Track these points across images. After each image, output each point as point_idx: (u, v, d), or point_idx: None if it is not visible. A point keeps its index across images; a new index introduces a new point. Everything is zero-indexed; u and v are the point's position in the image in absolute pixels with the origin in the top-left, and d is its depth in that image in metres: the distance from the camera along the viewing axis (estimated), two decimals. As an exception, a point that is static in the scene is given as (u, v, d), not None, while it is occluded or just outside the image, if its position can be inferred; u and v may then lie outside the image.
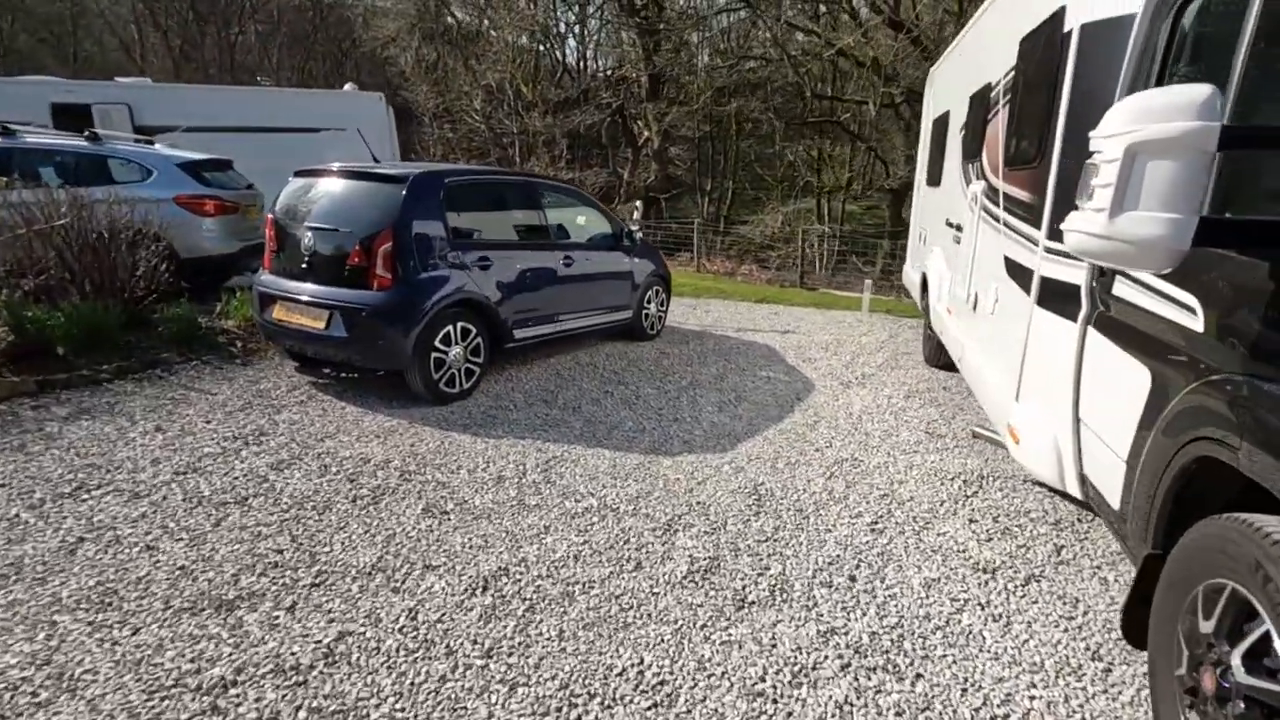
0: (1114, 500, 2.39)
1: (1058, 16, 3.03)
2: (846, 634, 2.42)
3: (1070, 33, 2.85)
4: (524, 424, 4.40)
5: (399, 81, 29.76)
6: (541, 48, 30.62)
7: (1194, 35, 2.28)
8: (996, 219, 3.87)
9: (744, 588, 2.67)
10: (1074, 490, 2.78)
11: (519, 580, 2.67)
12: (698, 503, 3.38)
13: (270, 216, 4.96)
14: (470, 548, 2.90)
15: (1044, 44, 3.22)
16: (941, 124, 6.34)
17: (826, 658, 2.29)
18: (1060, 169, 2.86)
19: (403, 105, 29.90)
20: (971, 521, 3.26)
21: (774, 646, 2.34)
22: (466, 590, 2.59)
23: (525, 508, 3.27)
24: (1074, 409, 2.73)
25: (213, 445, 3.83)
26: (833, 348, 6.91)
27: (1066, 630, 2.48)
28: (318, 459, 3.72)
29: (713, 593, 2.63)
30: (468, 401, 4.78)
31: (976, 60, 4.88)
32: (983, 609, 2.59)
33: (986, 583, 2.76)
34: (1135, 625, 2.11)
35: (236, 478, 3.45)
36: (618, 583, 2.68)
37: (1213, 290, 1.83)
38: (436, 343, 4.54)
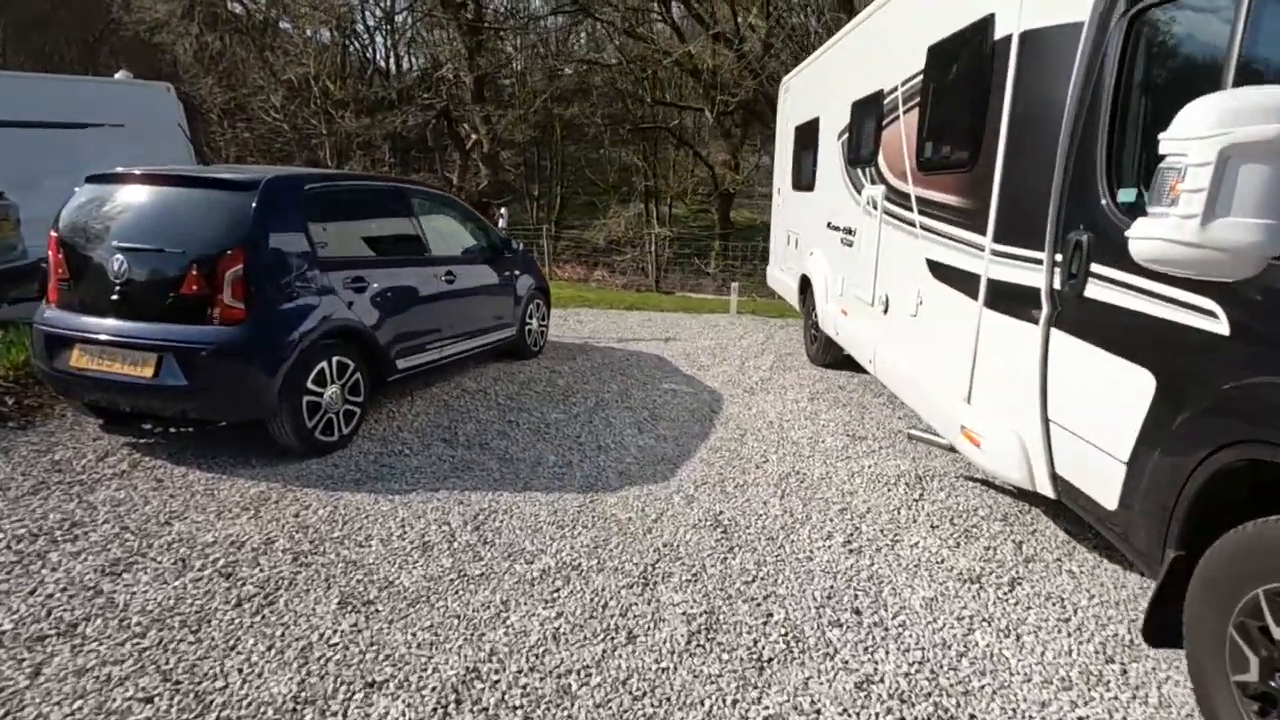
0: (1106, 501, 2.42)
1: (985, 24, 3.08)
2: (882, 680, 2.21)
3: (1006, 40, 2.89)
4: (430, 471, 3.76)
5: (173, 72, 25.89)
6: (349, 44, 28.30)
7: (1154, 42, 2.36)
8: (909, 222, 3.93)
9: (756, 643, 2.37)
10: (1044, 489, 2.82)
11: (497, 683, 2.15)
12: (663, 545, 3.03)
13: (53, 235, 3.81)
14: (419, 647, 2.31)
15: (967, 51, 3.28)
16: (809, 130, 6.53)
17: (877, 715, 2.06)
18: (1006, 174, 2.89)
19: (184, 100, 26.04)
20: (934, 527, 3.24)
21: (819, 713, 2.07)
22: (436, 711, 2.03)
23: (469, 580, 2.72)
24: (1041, 409, 2.76)
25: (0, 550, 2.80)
26: (718, 354, 6.87)
27: (1069, 635, 2.47)
28: (169, 551, 2.85)
29: (726, 656, 2.30)
30: (350, 450, 4.01)
31: (859, 68, 5.01)
32: (989, 624, 2.52)
33: (978, 593, 2.72)
34: (1158, 626, 2.13)
35: (52, 595, 2.52)
36: (617, 663, 2.26)
37: (1245, 296, 1.84)
38: (309, 383, 3.74)
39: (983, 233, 3.05)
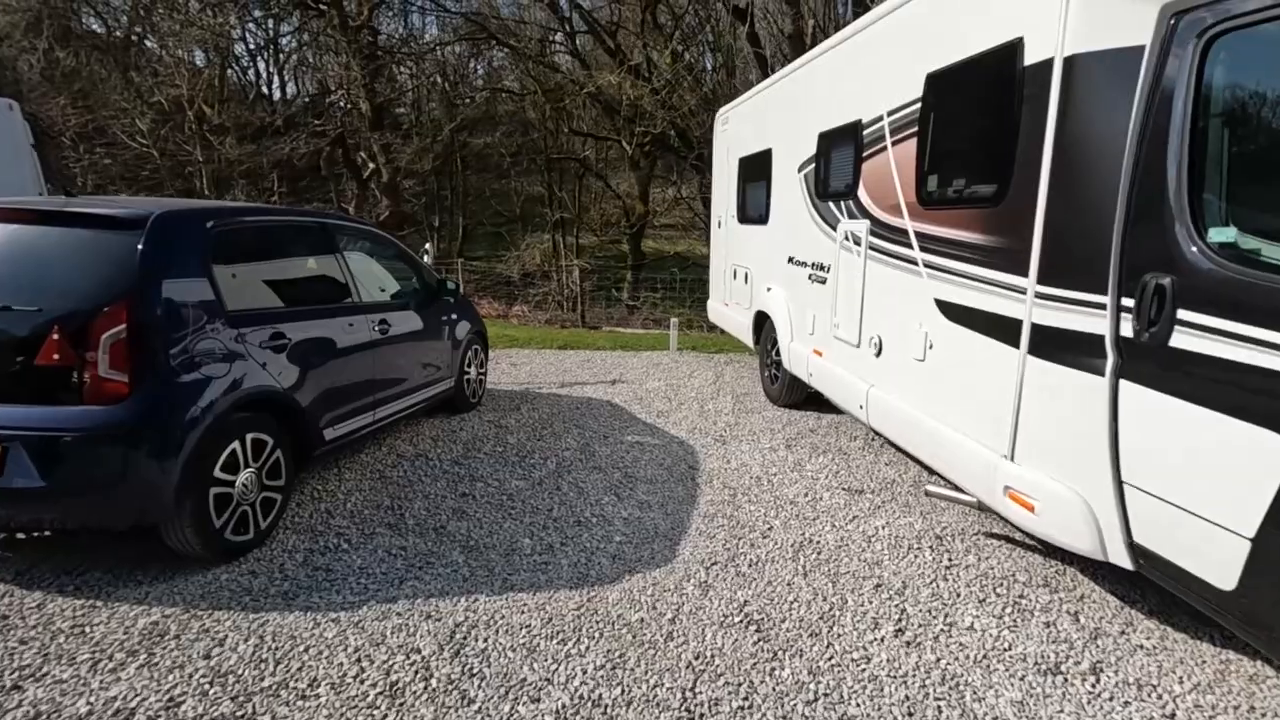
0: (1220, 580, 2.12)
1: (1010, 50, 2.84)
2: (1021, 837, 1.77)
3: (1044, 66, 2.65)
4: (379, 572, 3.04)
5: (16, 91, 23.01)
6: (228, 67, 26.34)
7: (1236, 66, 2.14)
8: (907, 260, 3.66)
9: (854, 797, 1.88)
10: (1119, 560, 2.52)
11: None
12: (694, 657, 2.49)
13: None
14: None
15: (986, 78, 3.05)
16: (758, 162, 6.30)
17: None
18: (1053, 210, 2.63)
19: (30, 120, 23.11)
20: (982, 601, 2.89)
21: None
22: None
23: (463, 737, 2.07)
24: (1113, 471, 2.47)
25: None
26: (673, 396, 6.43)
27: (1185, 736, 2.15)
28: (21, 738, 2.01)
29: (825, 823, 1.80)
30: (271, 548, 3.21)
31: (827, 97, 4.78)
32: (1097, 732, 2.16)
33: (1065, 689, 2.36)
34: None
35: None
36: None
37: None
38: (216, 470, 2.95)
39: (1020, 273, 2.78)
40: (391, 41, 22.61)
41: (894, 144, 3.82)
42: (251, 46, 25.95)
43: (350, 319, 3.94)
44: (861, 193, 4.22)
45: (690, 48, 18.77)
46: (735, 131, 7.19)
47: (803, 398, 5.88)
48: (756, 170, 6.42)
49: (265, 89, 28.45)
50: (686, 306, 18.46)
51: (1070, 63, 2.55)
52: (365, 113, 22.66)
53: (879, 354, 4.04)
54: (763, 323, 6.34)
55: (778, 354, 5.94)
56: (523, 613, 2.73)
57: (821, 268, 4.89)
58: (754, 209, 6.58)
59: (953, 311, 3.29)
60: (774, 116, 5.98)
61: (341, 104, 24.18)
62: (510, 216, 27.82)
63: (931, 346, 3.47)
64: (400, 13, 24.68)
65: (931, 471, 4.22)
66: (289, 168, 24.48)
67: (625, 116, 16.26)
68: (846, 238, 4.43)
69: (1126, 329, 2.40)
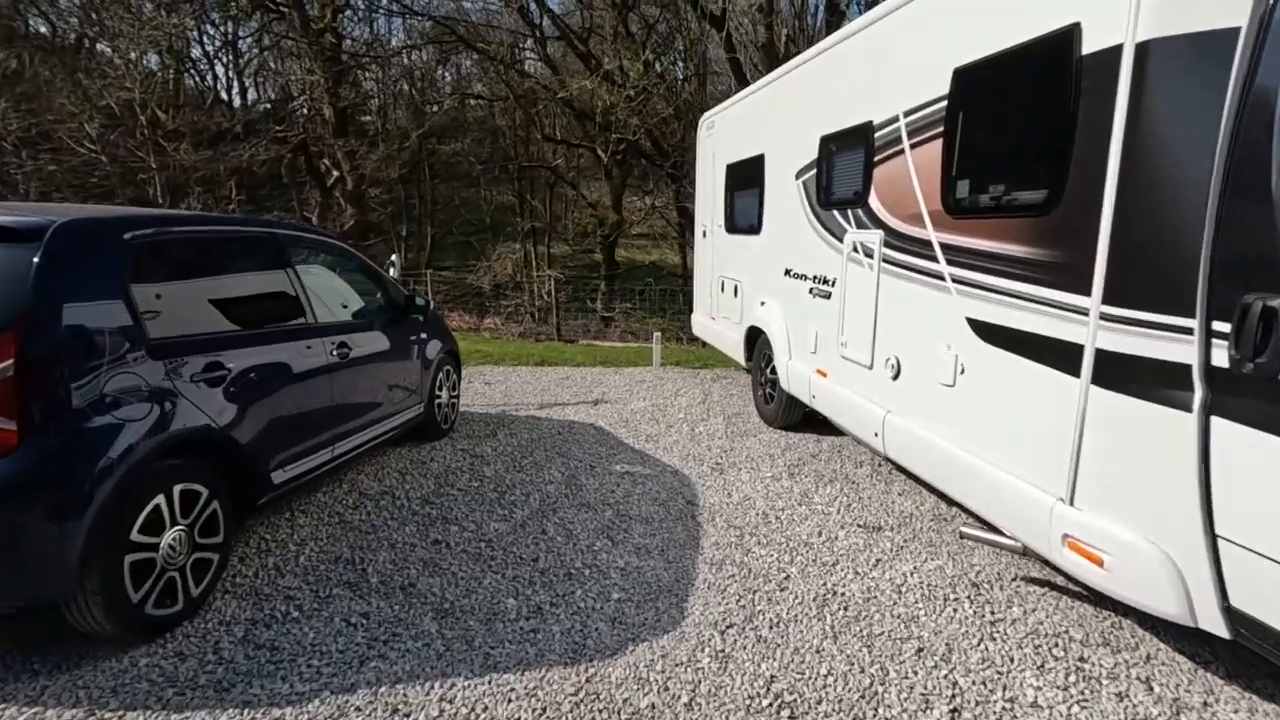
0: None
1: (1064, 38, 2.50)
2: None
3: (1108, 54, 2.31)
4: (334, 651, 2.55)
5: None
6: (186, 72, 25.38)
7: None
8: (932, 275, 3.31)
9: None
10: (1213, 627, 2.16)
11: None
12: (721, 756, 2.06)
13: None
14: None
15: (1033, 70, 2.71)
16: (748, 168, 5.94)
17: None
18: (1123, 219, 2.29)
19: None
20: (1041, 668, 2.51)
21: None
22: None
23: None
24: (1204, 522, 2.12)
25: None
26: (660, 418, 6.01)
27: None
28: None
29: None
30: (205, 621, 2.70)
31: (830, 98, 4.44)
32: None
33: (1163, 786, 1.99)
34: None
35: None
36: None
37: None
38: (134, 533, 2.44)
39: (1080, 291, 2.43)
40: (356, 46, 21.93)
41: (913, 147, 3.48)
42: (210, 49, 24.99)
43: (304, 342, 3.45)
44: (873, 201, 3.87)
45: (662, 57, 18.53)
46: (722, 137, 6.84)
47: (800, 418, 5.51)
48: (747, 177, 6.06)
49: (225, 94, 27.47)
50: (663, 317, 18.13)
51: (1144, 50, 2.21)
52: (329, 119, 21.97)
53: (896, 377, 3.68)
54: (755, 339, 5.97)
55: (773, 373, 5.56)
56: (510, 701, 2.27)
57: (825, 281, 4.53)
58: (744, 218, 6.22)
59: (991, 333, 2.93)
60: (767, 120, 5.63)
61: (304, 110, 23.45)
62: (480, 226, 27.25)
63: (963, 371, 3.12)
64: (365, 18, 24.05)
65: (952, 504, 3.87)
66: (249, 175, 23.57)
67: (599, 123, 15.88)
68: (855, 249, 4.07)
69: (1220, 358, 2.05)
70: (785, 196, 5.17)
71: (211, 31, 24.02)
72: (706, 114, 7.41)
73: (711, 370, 8.17)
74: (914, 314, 3.51)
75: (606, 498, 4.09)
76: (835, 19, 15.57)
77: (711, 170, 7.10)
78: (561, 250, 25.66)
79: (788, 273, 5.16)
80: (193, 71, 25.72)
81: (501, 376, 7.73)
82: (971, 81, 3.07)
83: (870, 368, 3.95)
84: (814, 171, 4.65)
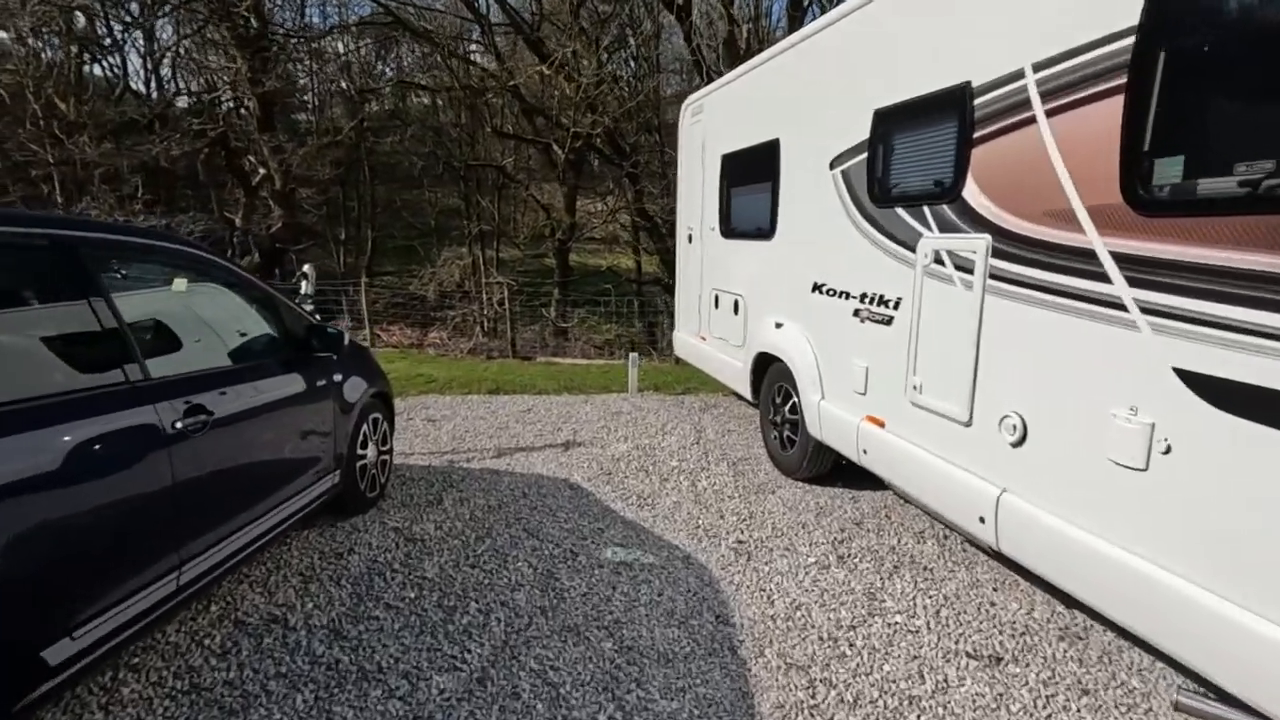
0: None
1: None
2: None
3: None
4: None
5: None
6: (94, 58, 22.93)
7: None
8: (1098, 300, 2.23)
9: None
10: None
11: None
12: None
13: None
14: None
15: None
16: (755, 158, 4.83)
17: None
18: None
19: None
20: None
21: None
22: None
23: None
24: None
25: None
26: (649, 467, 4.82)
27: None
28: None
29: None
30: None
31: (886, 59, 3.35)
32: None
33: None
34: None
35: None
36: None
37: None
38: None
39: None
40: (280, 32, 20.03)
41: (1053, 114, 2.39)
42: (119, 33, 22.56)
43: (119, 413, 2.12)
44: (972, 193, 2.78)
45: (614, 54, 17.41)
46: (714, 122, 5.71)
47: (829, 468, 4.41)
48: (752, 169, 4.95)
49: (138, 84, 24.98)
50: (620, 324, 16.96)
51: None
52: (253, 111, 20.02)
53: (1020, 443, 2.59)
54: (765, 368, 4.85)
55: (793, 412, 4.45)
56: None
57: (881, 301, 3.43)
58: (747, 220, 5.11)
59: (1233, 396, 1.86)
60: (783, 96, 4.52)
61: (224, 102, 21.41)
62: (424, 229, 25.59)
63: (1169, 450, 2.03)
64: (294, 3, 22.14)
65: (1099, 619, 2.80)
66: (164, 175, 21.33)
67: (554, 119, 14.63)
68: (939, 260, 2.98)
69: None
70: (813, 192, 4.07)
71: (121, 14, 21.66)
72: (692, 96, 6.28)
73: (697, 396, 7.03)
74: (1057, 357, 2.42)
75: (601, 613, 2.87)
76: (797, 11, 14.79)
77: (700, 163, 5.96)
78: (512, 255, 24.20)
79: (818, 289, 4.05)
80: (103, 59, 23.25)
81: (449, 409, 6.40)
82: (1181, 9, 1.99)
83: (968, 424, 2.86)
84: (860, 158, 3.55)
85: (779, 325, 4.56)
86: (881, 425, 3.47)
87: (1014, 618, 2.89)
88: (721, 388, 6.49)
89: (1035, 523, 2.50)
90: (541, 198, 20.56)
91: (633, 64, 19.18)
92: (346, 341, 3.60)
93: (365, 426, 3.82)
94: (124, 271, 2.40)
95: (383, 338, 11.26)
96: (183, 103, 23.57)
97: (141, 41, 22.80)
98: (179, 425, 2.30)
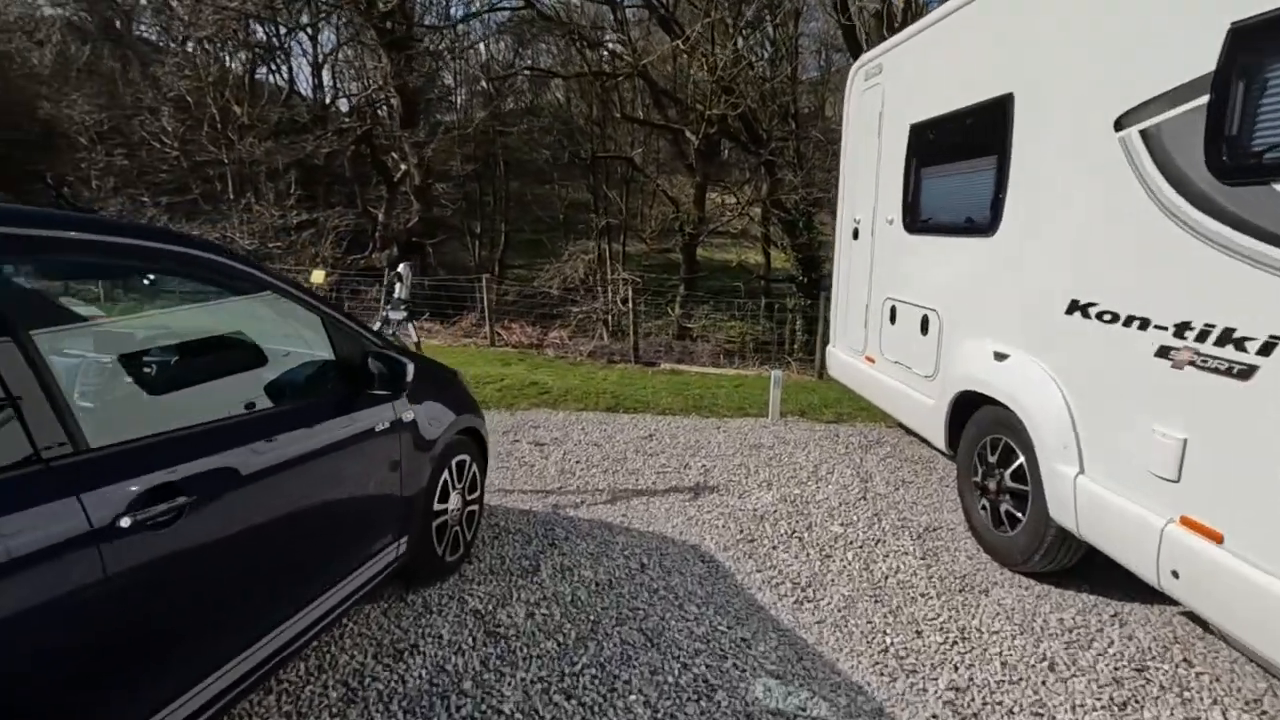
0: None
1: None
2: None
3: None
4: None
5: (31, 87, 21.74)
6: (264, 63, 24.79)
7: None
8: None
9: None
10: None
11: None
12: None
13: None
14: None
15: None
16: (967, 125, 3.54)
17: None
18: None
19: (44, 121, 21.74)
20: None
21: None
22: None
23: None
24: None
25: None
26: (806, 534, 3.69)
27: None
28: None
29: None
30: None
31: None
32: None
33: None
34: None
35: None
36: None
37: None
38: None
39: None
40: (422, 30, 20.46)
41: None
42: (281, 40, 24.15)
43: (10, 516, 1.33)
44: None
45: (750, 35, 16.07)
46: (898, 85, 4.43)
47: (1073, 561, 3.08)
48: (960, 140, 3.66)
49: (300, 86, 26.78)
50: (748, 321, 15.68)
51: None
52: (396, 108, 20.64)
53: None
54: (970, 411, 3.56)
55: (1019, 479, 3.16)
56: None
57: (1230, 340, 2.10)
58: (948, 208, 3.83)
59: None
60: (1024, 31, 3.19)
61: (370, 99, 22.30)
62: (552, 224, 25.54)
63: None
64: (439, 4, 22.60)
65: None
66: (312, 169, 22.58)
67: (687, 103, 13.61)
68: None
69: None
70: (1077, 165, 2.76)
71: (284, 18, 23.12)
72: (866, 55, 5.01)
73: (853, 426, 5.76)
74: None
75: (756, 828, 1.82)
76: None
77: (875, 137, 4.70)
78: (638, 249, 23.53)
79: (1082, 310, 2.74)
80: (272, 64, 25.07)
81: (560, 429, 5.57)
82: None
83: None
84: (1188, 108, 2.22)
85: (1001, 356, 3.26)
86: (1217, 540, 2.14)
87: None
88: (877, 410, 5.22)
89: None
90: (670, 190, 19.67)
91: (769, 47, 17.76)
92: (427, 366, 2.76)
93: (447, 474, 2.99)
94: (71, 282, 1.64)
95: (503, 336, 10.78)
96: (344, 105, 24.95)
97: (308, 45, 24.26)
98: (127, 522, 1.50)
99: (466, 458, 3.18)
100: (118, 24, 22.24)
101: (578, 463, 4.76)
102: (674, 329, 14.40)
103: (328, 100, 25.25)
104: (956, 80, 3.69)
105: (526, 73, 19.82)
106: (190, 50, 20.23)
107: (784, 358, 10.99)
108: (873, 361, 4.80)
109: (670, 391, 6.98)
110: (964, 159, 3.65)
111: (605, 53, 16.76)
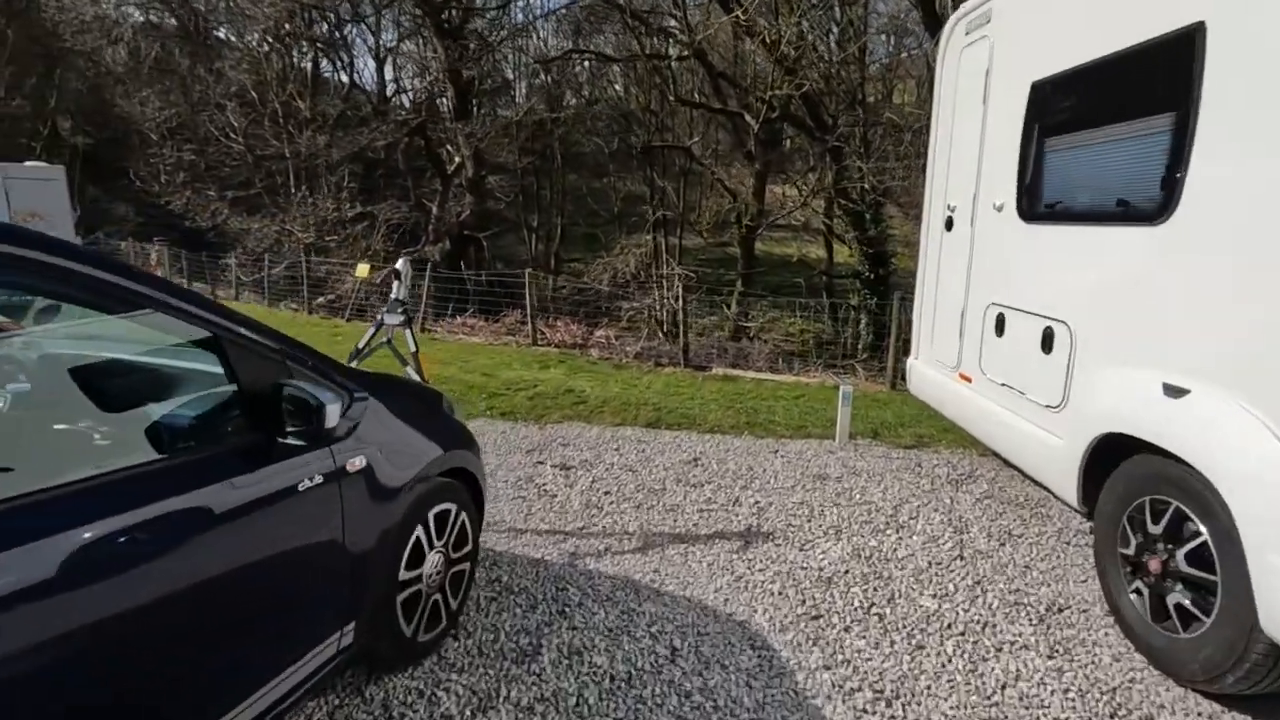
0: None
1: None
2: None
3: None
4: None
5: (110, 86, 22.49)
6: (325, 61, 25.04)
7: None
8: None
9: None
10: None
11: None
12: None
13: None
14: None
15: None
16: (1136, 73, 2.62)
17: None
18: None
19: (122, 118, 22.46)
20: None
21: None
22: None
23: None
24: None
25: None
26: (889, 610, 2.87)
27: None
28: None
29: None
30: None
31: None
32: None
33: None
34: None
35: None
36: None
37: None
38: None
39: None
40: (479, 18, 20.08)
41: None
42: (342, 34, 24.27)
43: None
44: None
45: (813, 13, 14.95)
46: (1014, 33, 3.51)
47: (1277, 682, 2.16)
48: (1112, 96, 2.75)
49: (363, 80, 27.00)
50: (809, 319, 14.65)
51: None
52: (450, 100, 20.39)
53: None
54: (1117, 458, 2.65)
55: (1196, 563, 2.25)
56: None
57: None
58: (1090, 188, 2.92)
59: None
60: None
61: (429, 89, 22.16)
62: (607, 217, 24.93)
63: None
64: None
65: None
66: (370, 162, 22.59)
67: (747, 86, 12.68)
68: None
69: None
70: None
71: (346, 12, 23.19)
72: (968, 3, 4.07)
73: (936, 452, 4.84)
74: None
75: None
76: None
77: (979, 102, 3.79)
78: (694, 243, 22.64)
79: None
80: (333, 58, 25.28)
81: (592, 449, 4.86)
82: None
83: None
84: None
85: (1176, 391, 2.35)
86: None
87: None
88: (962, 436, 4.31)
89: None
90: (729, 181, 18.72)
91: (835, 28, 16.58)
92: (329, 421, 1.91)
93: (421, 530, 2.31)
94: None
95: (546, 334, 10.18)
96: (404, 100, 25.00)
97: (371, 39, 24.31)
98: None
99: (451, 506, 2.49)
100: (191, 24, 22.74)
101: (606, 494, 4.04)
102: (729, 328, 13.54)
103: (388, 93, 25.33)
104: (1107, 17, 2.77)
105: (577, 55, 19.13)
106: (254, 44, 20.46)
107: (849, 363, 9.99)
108: (969, 380, 3.90)
109: (721, 403, 6.18)
110: (1116, 121, 2.73)
111: (663, 37, 15.97)
